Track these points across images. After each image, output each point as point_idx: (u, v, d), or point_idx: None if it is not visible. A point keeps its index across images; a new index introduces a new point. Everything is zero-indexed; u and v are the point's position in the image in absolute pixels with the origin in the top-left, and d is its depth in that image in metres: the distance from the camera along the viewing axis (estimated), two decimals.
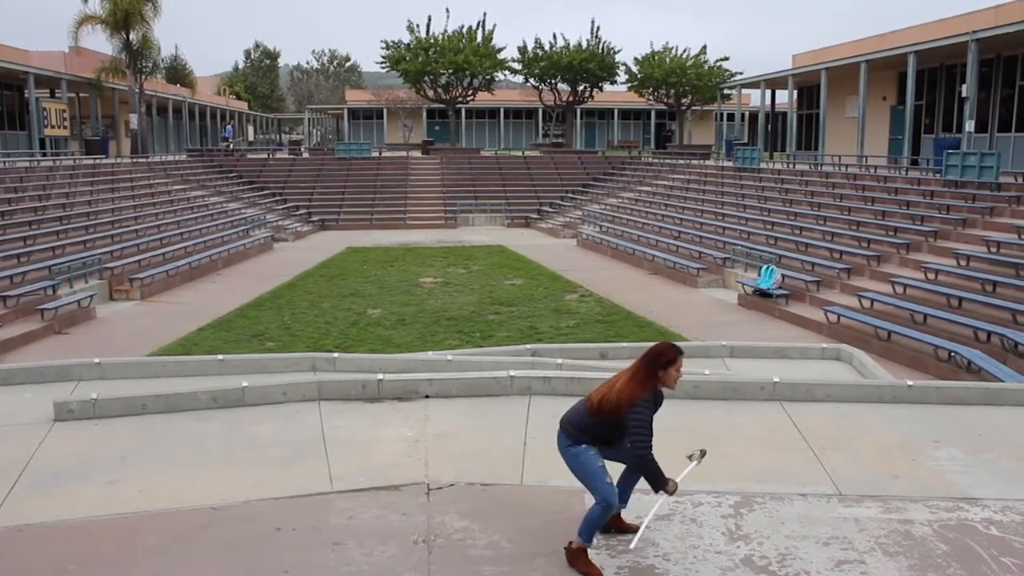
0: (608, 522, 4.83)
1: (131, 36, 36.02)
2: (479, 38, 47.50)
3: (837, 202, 22.81)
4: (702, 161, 36.23)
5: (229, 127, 54.30)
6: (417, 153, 44.80)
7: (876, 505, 5.41)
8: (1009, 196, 18.41)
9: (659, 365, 4.49)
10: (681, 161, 36.60)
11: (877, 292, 15.76)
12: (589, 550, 4.60)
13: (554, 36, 67.80)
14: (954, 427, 6.86)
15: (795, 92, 36.92)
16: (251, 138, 63.91)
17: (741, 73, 46.46)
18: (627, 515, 5.00)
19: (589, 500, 4.90)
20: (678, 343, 4.77)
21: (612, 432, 4.57)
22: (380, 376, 7.50)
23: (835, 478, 5.83)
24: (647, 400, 4.46)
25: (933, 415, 7.16)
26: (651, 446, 4.46)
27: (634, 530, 4.84)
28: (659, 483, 4.49)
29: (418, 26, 47.94)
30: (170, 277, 20.52)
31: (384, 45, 48.44)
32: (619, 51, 50.39)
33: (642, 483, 4.75)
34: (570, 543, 4.62)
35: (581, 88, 50.32)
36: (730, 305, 18.29)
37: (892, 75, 31.27)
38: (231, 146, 47.61)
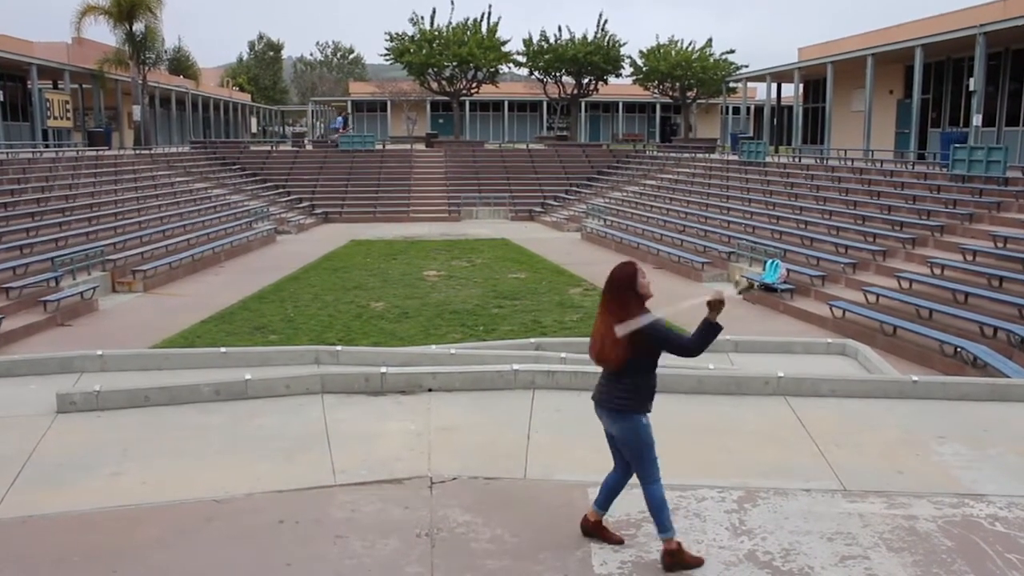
0: (589, 528, 4.77)
1: (134, 27, 35.98)
2: (483, 30, 47.39)
3: (843, 196, 22.73)
4: (707, 155, 36.15)
5: (340, 118, 51.39)
6: (421, 146, 44.73)
7: (880, 501, 5.39)
8: (1016, 191, 18.31)
9: (629, 285, 4.44)
10: (686, 155, 36.52)
11: (882, 287, 15.71)
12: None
13: (559, 29, 67.50)
14: (959, 423, 6.83)
15: (801, 86, 36.80)
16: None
17: (747, 66, 46.34)
18: (609, 521, 4.88)
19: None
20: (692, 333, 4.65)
21: (640, 371, 4.48)
22: (383, 369, 7.49)
23: (839, 473, 5.80)
24: (657, 319, 4.40)
25: (938, 411, 7.12)
26: (688, 340, 4.38)
27: (618, 541, 4.74)
28: (715, 328, 4.35)
29: (422, 18, 47.90)
30: (173, 269, 20.53)
31: (388, 37, 48.38)
32: (624, 44, 50.29)
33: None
34: (662, 554, 4.54)
35: (586, 81, 50.19)
36: (735, 300, 18.24)
37: (899, 68, 31.15)
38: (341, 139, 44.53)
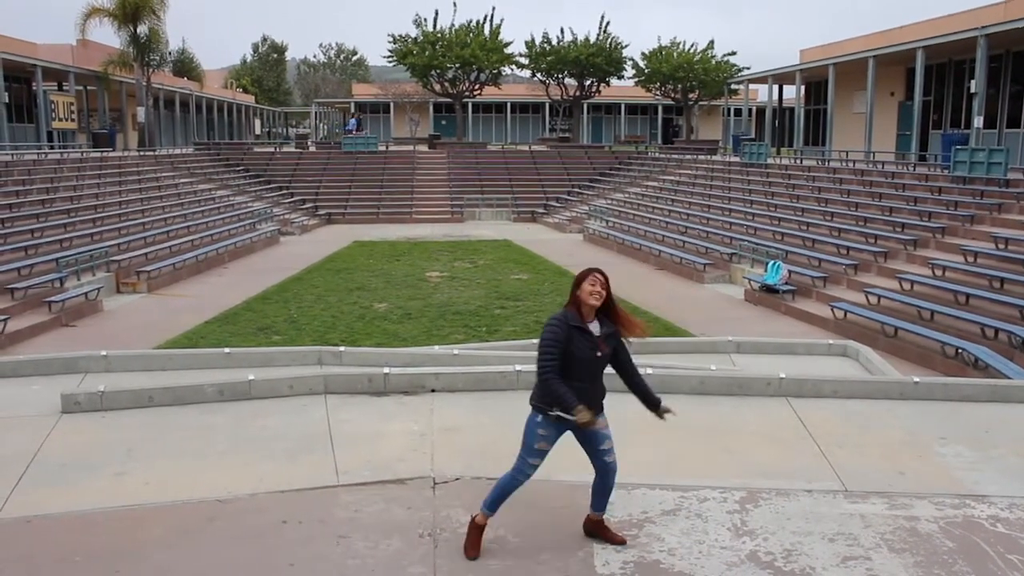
0: (591, 529, 4.80)
1: (139, 29, 36.06)
2: (486, 32, 47.44)
3: (844, 198, 22.73)
4: (709, 157, 36.16)
5: (354, 120, 51.40)
6: (424, 147, 44.76)
7: (882, 502, 5.40)
8: (1018, 192, 18.32)
9: (574, 287, 4.53)
10: (688, 156, 36.53)
11: (884, 288, 15.72)
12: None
13: (561, 30, 67.66)
14: (961, 424, 6.84)
15: (802, 87, 36.80)
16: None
17: (748, 68, 46.37)
18: (611, 522, 4.90)
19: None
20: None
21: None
22: (386, 370, 7.51)
23: (841, 474, 5.81)
24: (557, 319, 4.45)
25: (940, 412, 7.13)
26: (550, 366, 4.35)
27: (620, 541, 4.74)
28: (566, 405, 4.33)
29: (425, 20, 48.00)
30: (177, 270, 20.58)
31: (391, 39, 48.44)
32: (627, 46, 50.34)
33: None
34: (470, 521, 4.68)
35: (588, 83, 50.22)
36: (736, 301, 18.25)
37: (900, 70, 31.15)
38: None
